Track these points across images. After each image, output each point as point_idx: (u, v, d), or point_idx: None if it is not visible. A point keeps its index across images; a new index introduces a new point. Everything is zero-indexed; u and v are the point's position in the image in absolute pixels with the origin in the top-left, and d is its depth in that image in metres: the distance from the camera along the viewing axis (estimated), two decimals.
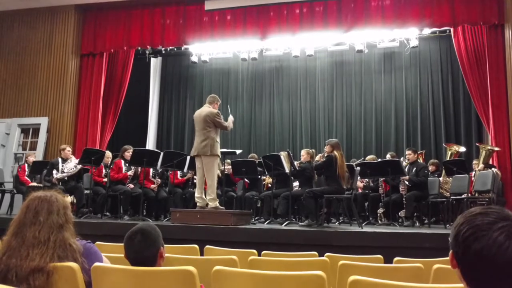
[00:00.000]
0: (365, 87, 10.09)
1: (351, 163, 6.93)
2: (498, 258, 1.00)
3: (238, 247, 3.48)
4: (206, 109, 5.86)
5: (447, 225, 6.23)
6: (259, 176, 7.45)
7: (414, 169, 6.55)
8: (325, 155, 5.92)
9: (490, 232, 1.03)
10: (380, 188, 6.96)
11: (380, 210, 6.72)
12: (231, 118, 6.01)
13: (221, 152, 6.12)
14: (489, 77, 7.69)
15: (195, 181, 6.16)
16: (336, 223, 6.68)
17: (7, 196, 7.62)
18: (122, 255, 1.95)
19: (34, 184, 7.29)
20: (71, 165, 6.81)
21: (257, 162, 7.09)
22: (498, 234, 1.02)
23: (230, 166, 7.34)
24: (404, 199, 6.32)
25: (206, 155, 5.68)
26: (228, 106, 6.61)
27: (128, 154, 6.91)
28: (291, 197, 6.29)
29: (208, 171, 5.75)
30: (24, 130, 9.30)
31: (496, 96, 7.58)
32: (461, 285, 1.10)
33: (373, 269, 2.39)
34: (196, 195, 5.84)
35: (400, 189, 6.44)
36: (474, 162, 7.58)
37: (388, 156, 7.70)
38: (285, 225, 5.78)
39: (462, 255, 1.06)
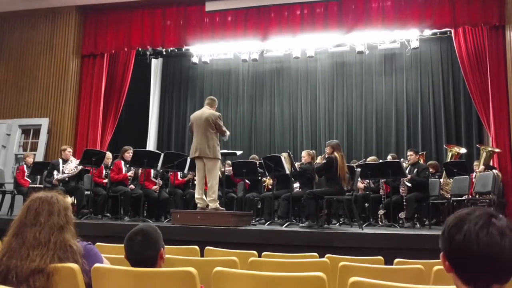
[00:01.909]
0: (366, 88, 10.09)
1: (352, 164, 6.93)
2: (480, 244, 1.05)
3: (238, 248, 3.48)
4: (207, 110, 5.86)
5: None
6: (260, 177, 7.45)
7: (416, 170, 6.55)
8: (326, 157, 5.92)
9: (469, 220, 1.09)
10: (380, 190, 6.95)
11: (381, 212, 6.71)
12: (227, 132, 6.00)
13: (222, 154, 6.12)
14: (489, 79, 7.69)
15: (195, 182, 6.16)
16: (337, 224, 6.67)
17: (8, 197, 7.62)
18: (123, 256, 1.95)
19: (34, 185, 7.31)
20: (72, 166, 6.81)
21: (257, 163, 7.09)
22: (477, 221, 1.08)
23: (230, 167, 7.34)
24: (404, 200, 6.31)
25: (208, 157, 5.68)
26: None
27: (128, 155, 6.92)
28: (292, 198, 6.30)
29: (210, 172, 5.75)
30: (25, 131, 9.29)
31: (497, 97, 7.57)
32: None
33: (373, 271, 2.39)
34: (196, 196, 5.84)
35: (401, 190, 6.43)
36: (475, 163, 7.58)
37: (389, 158, 7.70)
38: (285, 226, 5.77)
39: (449, 249, 1.11)
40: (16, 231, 1.82)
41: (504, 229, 1.06)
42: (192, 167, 6.56)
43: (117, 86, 9.59)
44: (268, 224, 6.29)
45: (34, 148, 9.03)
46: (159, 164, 6.65)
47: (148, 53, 10.17)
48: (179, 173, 7.42)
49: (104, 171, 7.13)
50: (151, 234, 1.91)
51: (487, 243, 1.04)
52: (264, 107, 10.68)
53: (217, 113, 5.85)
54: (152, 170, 7.09)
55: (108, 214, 7.08)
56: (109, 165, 7.18)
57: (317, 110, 10.31)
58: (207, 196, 5.82)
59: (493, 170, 6.81)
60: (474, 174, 7.07)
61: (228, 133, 6.01)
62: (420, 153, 7.71)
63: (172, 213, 5.99)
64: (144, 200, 6.71)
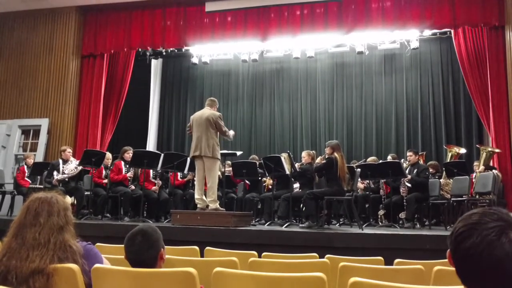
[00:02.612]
0: (366, 89, 10.09)
1: (352, 165, 6.92)
2: (485, 256, 1.00)
3: (238, 248, 3.48)
4: (207, 111, 5.88)
5: (448, 227, 6.22)
6: (260, 178, 7.45)
7: (415, 170, 6.55)
8: (326, 157, 5.92)
9: (481, 230, 1.03)
10: (381, 190, 6.95)
11: (381, 212, 6.71)
12: (232, 132, 6.04)
13: (222, 154, 6.12)
14: (489, 79, 7.69)
15: (195, 182, 6.16)
16: (337, 225, 6.67)
17: (8, 198, 7.62)
18: (123, 256, 1.95)
19: (34, 185, 7.30)
20: (72, 166, 6.80)
21: (257, 163, 7.09)
22: (489, 233, 1.02)
23: (230, 168, 7.33)
24: (404, 200, 6.31)
25: (208, 157, 5.69)
26: None
27: (128, 155, 6.92)
28: (292, 198, 6.29)
29: (209, 172, 5.75)
30: (25, 131, 9.30)
31: (497, 97, 7.58)
32: (462, 286, 1.10)
33: (373, 271, 2.39)
34: (196, 196, 5.84)
35: (401, 190, 6.44)
36: (475, 163, 7.58)
37: (389, 158, 7.70)
38: (285, 227, 5.77)
39: (454, 252, 1.08)
40: (16, 232, 1.81)
41: None
42: (192, 168, 6.56)
43: (117, 86, 9.60)
44: (268, 225, 6.29)
45: (34, 148, 9.03)
46: (159, 165, 6.65)
47: (148, 53, 10.18)
48: (179, 173, 7.41)
49: (104, 172, 7.13)
50: (151, 235, 1.90)
51: (490, 261, 0.99)
52: (264, 107, 10.68)
53: (218, 113, 5.87)
54: (151, 171, 7.08)
55: (108, 215, 7.09)
56: (109, 165, 7.17)
57: (317, 110, 10.31)
58: (206, 197, 5.82)
59: (493, 170, 6.81)
60: (474, 175, 7.07)
61: (232, 132, 6.06)
62: (420, 154, 7.70)
63: (172, 213, 5.99)
64: (144, 200, 6.71)
